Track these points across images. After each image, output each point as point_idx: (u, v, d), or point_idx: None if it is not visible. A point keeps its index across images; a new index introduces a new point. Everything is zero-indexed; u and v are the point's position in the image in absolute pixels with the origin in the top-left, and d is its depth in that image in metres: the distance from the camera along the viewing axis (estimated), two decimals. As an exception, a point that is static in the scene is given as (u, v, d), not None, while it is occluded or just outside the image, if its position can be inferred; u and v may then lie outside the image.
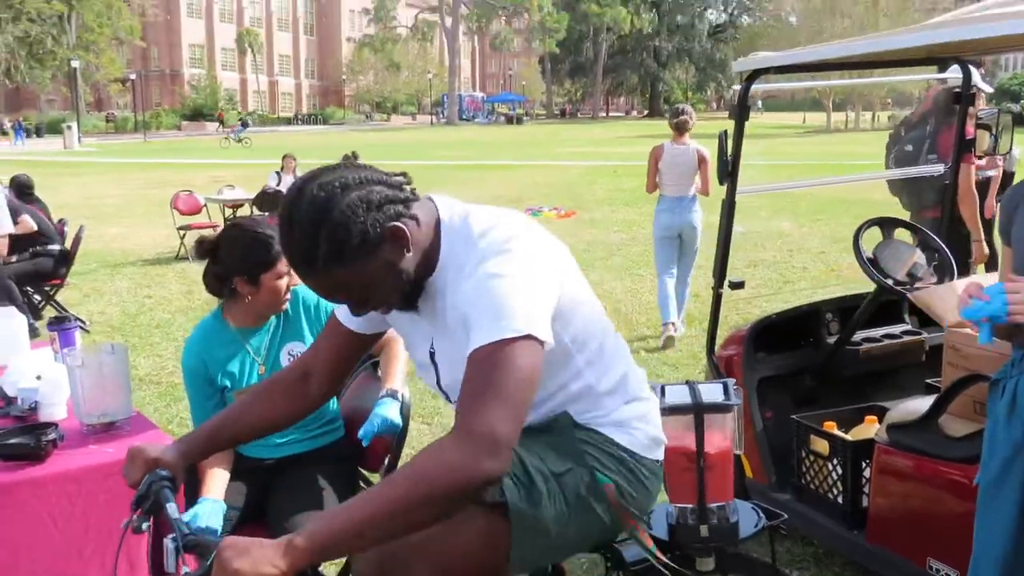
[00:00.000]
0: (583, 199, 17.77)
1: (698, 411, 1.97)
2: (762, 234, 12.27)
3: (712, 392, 2.02)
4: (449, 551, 1.75)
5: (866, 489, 3.11)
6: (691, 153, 6.96)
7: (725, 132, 3.43)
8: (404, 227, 1.67)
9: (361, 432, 2.60)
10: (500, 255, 1.66)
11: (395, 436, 2.72)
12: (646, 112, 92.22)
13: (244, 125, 49.49)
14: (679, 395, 2.03)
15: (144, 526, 1.75)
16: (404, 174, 1.77)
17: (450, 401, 1.96)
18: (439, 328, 1.82)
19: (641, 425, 1.92)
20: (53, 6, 60.38)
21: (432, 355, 1.89)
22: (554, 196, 18.23)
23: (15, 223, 6.95)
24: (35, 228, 7.65)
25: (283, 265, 2.74)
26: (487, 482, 1.52)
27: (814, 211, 14.84)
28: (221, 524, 2.58)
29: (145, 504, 1.78)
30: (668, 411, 1.99)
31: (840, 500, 3.17)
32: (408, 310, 1.82)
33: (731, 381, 2.08)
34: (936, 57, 3.86)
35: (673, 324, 6.99)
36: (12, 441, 2.43)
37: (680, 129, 6.97)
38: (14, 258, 7.27)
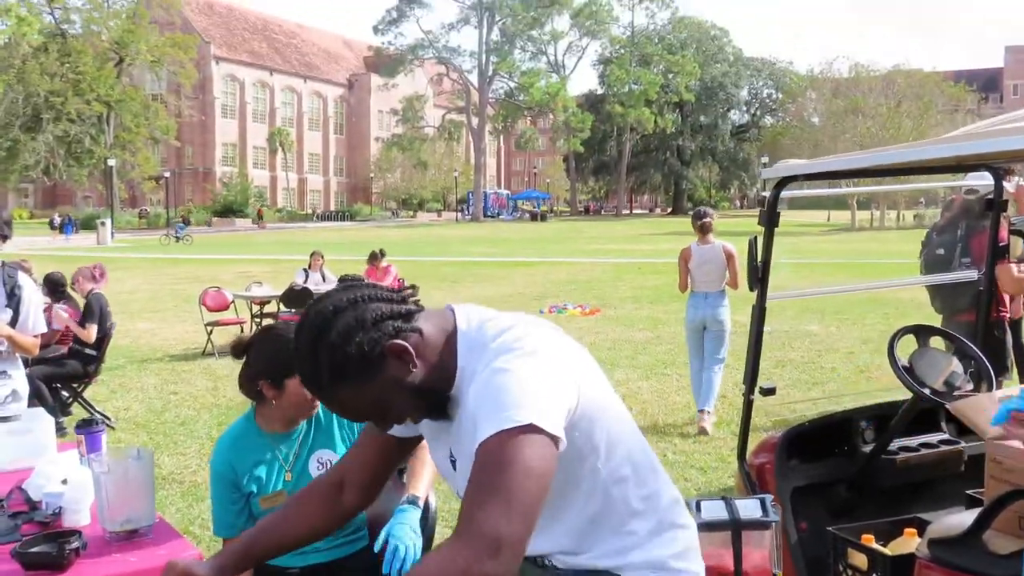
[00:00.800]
0: (607, 296, 17.80)
1: (736, 528, 1.91)
2: (789, 334, 12.19)
3: (749, 508, 1.97)
4: None
5: (908, 607, 3.00)
6: (718, 251, 7.44)
7: (755, 237, 3.43)
8: (404, 343, 1.66)
9: (384, 568, 2.51)
10: (509, 352, 1.64)
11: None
12: (670, 209, 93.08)
13: (186, 223, 50.25)
14: (715, 511, 1.97)
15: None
16: (413, 287, 1.78)
17: None
18: (456, 435, 1.78)
19: (680, 565, 1.81)
20: (93, 107, 62.39)
21: (453, 463, 1.85)
22: (578, 293, 18.28)
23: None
24: (92, 339, 7.83)
25: None
26: None
27: (841, 310, 14.76)
28: None
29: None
30: (704, 527, 1.93)
31: (881, 617, 3.05)
32: (441, 419, 1.79)
33: (768, 497, 2.02)
34: (966, 165, 3.87)
35: (706, 412, 7.34)
36: (35, 550, 2.39)
37: (704, 231, 7.49)
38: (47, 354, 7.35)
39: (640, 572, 1.78)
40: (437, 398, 1.73)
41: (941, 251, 5.69)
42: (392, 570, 2.52)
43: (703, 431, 7.20)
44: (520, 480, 1.49)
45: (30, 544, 2.42)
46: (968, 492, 3.47)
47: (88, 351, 7.92)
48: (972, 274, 4.41)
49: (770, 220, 3.50)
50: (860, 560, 3.13)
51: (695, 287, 7.53)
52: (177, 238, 44.30)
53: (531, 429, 1.52)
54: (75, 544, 2.40)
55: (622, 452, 1.80)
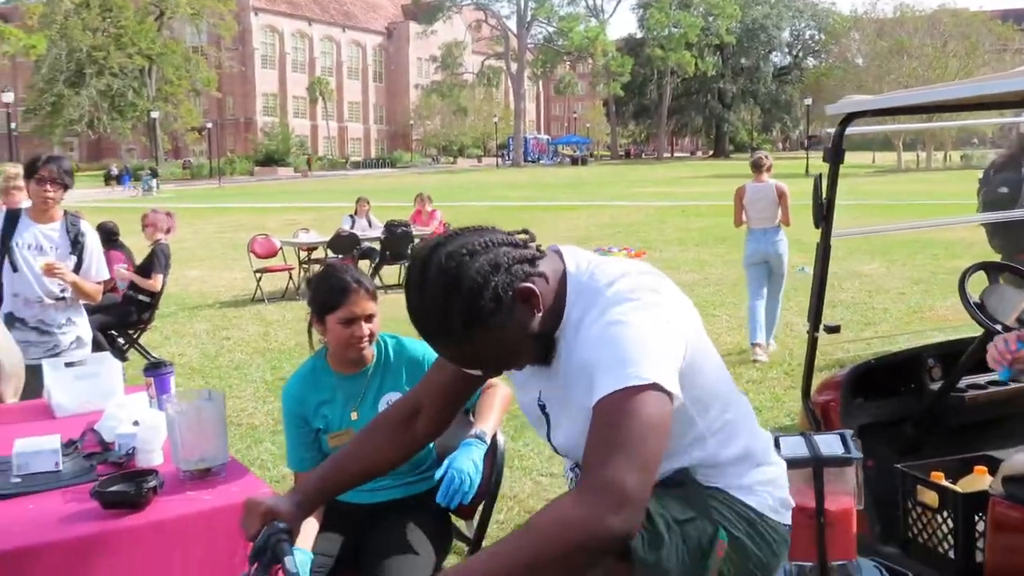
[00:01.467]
0: (652, 239, 17.68)
1: (817, 465, 1.88)
2: (839, 275, 12.03)
3: (830, 444, 1.94)
4: None
5: (980, 544, 2.97)
6: (771, 189, 7.92)
7: (820, 175, 3.36)
8: (535, 287, 1.63)
9: (438, 496, 2.57)
10: (626, 303, 1.61)
11: (480, 484, 2.67)
12: (711, 152, 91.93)
13: (153, 175, 49.83)
14: (795, 447, 1.94)
15: (263, 579, 1.72)
16: (526, 231, 1.73)
17: (559, 454, 1.90)
18: (553, 379, 1.76)
19: (768, 489, 1.83)
20: (135, 61, 62.79)
21: (543, 407, 1.84)
22: (622, 236, 18.17)
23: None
24: (159, 288, 7.97)
25: (350, 310, 2.73)
26: (614, 539, 1.44)
27: (889, 251, 14.55)
28: (309, 574, 2.56)
29: (264, 557, 1.75)
30: (785, 464, 1.90)
31: (952, 555, 3.02)
32: (542, 364, 1.76)
33: (848, 432, 1.99)
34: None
35: (760, 345, 7.78)
36: (113, 489, 2.42)
37: (758, 168, 8.04)
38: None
39: (731, 491, 1.80)
40: (548, 343, 1.71)
41: (1004, 189, 5.55)
42: (447, 500, 2.54)
43: (756, 362, 7.61)
44: (644, 436, 1.48)
45: (108, 483, 2.45)
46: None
47: (142, 298, 8.03)
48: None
49: (835, 157, 3.42)
50: (930, 497, 3.09)
51: (751, 223, 7.99)
52: (147, 188, 43.93)
53: (653, 387, 1.51)
54: (152, 483, 2.43)
55: (719, 403, 1.79)
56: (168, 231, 8.30)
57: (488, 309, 1.57)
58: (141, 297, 8.02)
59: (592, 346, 1.60)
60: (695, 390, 1.70)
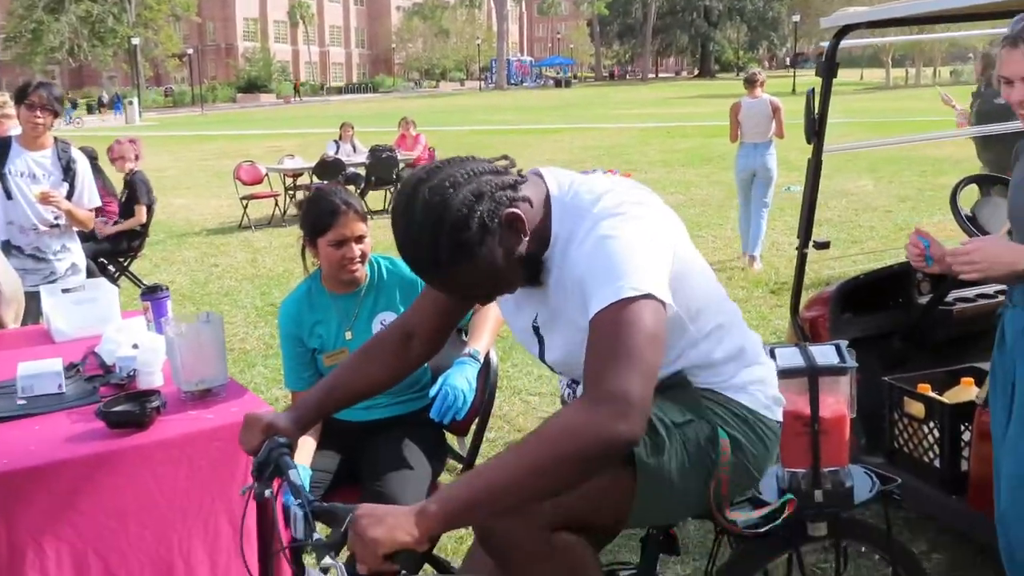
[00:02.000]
0: (637, 161, 17.62)
1: (812, 374, 1.93)
2: (825, 193, 11.98)
3: (825, 354, 1.98)
4: (573, 501, 1.71)
5: (965, 453, 3.04)
6: (764, 104, 8.24)
7: (812, 90, 3.35)
8: (519, 212, 1.65)
9: (431, 412, 2.62)
10: (613, 218, 1.63)
11: (473, 404, 2.72)
12: (696, 72, 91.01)
13: (74, 106, 48.78)
14: (791, 358, 1.98)
15: (267, 493, 1.76)
16: (506, 157, 1.74)
17: (556, 372, 1.94)
18: (546, 300, 1.79)
19: (760, 387, 1.88)
20: (114, -16, 61.28)
21: (536, 329, 1.87)
22: (607, 159, 18.09)
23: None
24: (144, 219, 7.94)
25: (341, 232, 2.75)
26: (621, 446, 1.49)
27: (875, 169, 14.56)
28: (309, 490, 2.61)
29: (266, 471, 1.78)
30: (781, 374, 1.94)
31: (938, 464, 3.10)
32: (533, 286, 1.79)
33: (844, 343, 2.03)
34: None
35: (753, 257, 8.18)
36: (118, 409, 2.46)
37: (752, 84, 8.35)
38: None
39: (724, 391, 1.85)
40: (536, 265, 1.73)
41: (1001, 100, 5.52)
42: (441, 416, 2.60)
43: (751, 267, 8.10)
44: (643, 346, 1.52)
45: (112, 404, 2.49)
46: (1023, 342, 3.48)
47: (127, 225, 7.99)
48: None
49: (829, 71, 3.40)
50: (917, 408, 3.16)
51: (744, 138, 8.34)
52: (68, 120, 42.29)
53: (647, 297, 1.55)
54: (156, 403, 2.47)
55: (710, 310, 1.83)
56: (137, 158, 8.25)
57: (475, 239, 1.60)
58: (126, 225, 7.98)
59: (584, 262, 1.63)
60: (685, 297, 1.74)
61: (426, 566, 2.78)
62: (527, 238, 1.67)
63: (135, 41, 56.79)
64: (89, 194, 4.39)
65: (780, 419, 1.91)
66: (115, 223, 7.91)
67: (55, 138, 4.35)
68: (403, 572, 1.51)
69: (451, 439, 3.15)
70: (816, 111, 3.37)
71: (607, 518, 1.85)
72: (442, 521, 1.48)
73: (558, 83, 76.74)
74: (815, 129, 3.39)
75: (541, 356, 1.91)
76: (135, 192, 7.94)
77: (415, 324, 2.04)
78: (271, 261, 9.48)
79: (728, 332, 1.86)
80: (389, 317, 2.86)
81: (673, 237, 1.73)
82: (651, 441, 1.75)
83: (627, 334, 1.52)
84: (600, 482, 1.65)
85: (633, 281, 1.55)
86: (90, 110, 53.18)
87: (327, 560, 1.51)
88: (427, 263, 1.62)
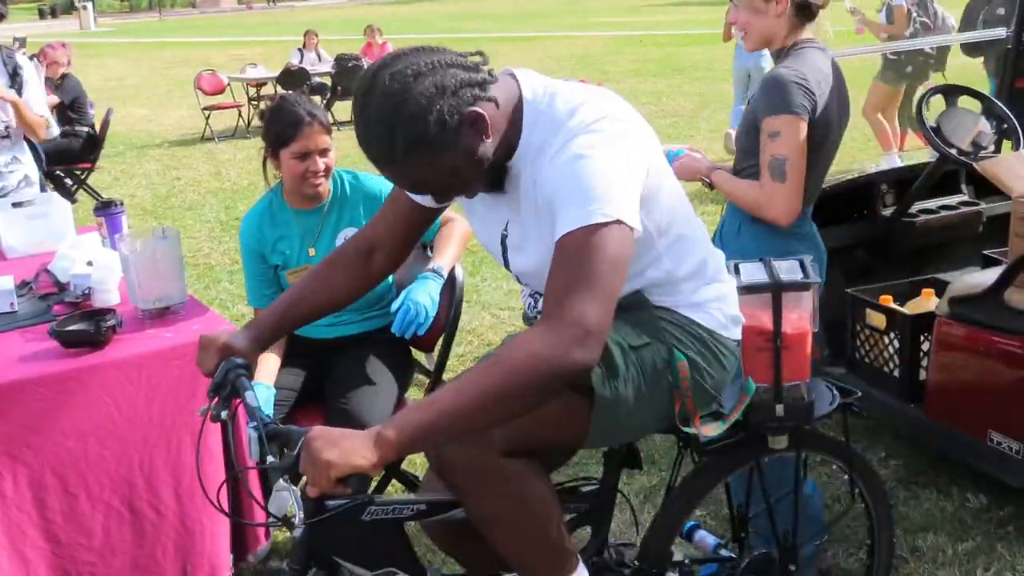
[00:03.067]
0: (609, 71, 17.37)
1: (776, 289, 1.91)
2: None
3: (789, 269, 1.96)
4: (527, 426, 1.70)
5: (924, 363, 3.08)
6: None
7: None
8: (483, 112, 1.58)
9: (393, 327, 2.60)
10: (588, 135, 1.58)
11: (438, 319, 2.71)
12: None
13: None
14: (755, 273, 1.96)
15: (223, 414, 1.73)
16: (480, 53, 1.67)
17: (520, 283, 1.92)
18: (515, 211, 1.75)
19: (718, 305, 1.86)
20: None
21: (504, 238, 1.83)
22: (580, 68, 17.82)
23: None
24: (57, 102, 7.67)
25: (304, 145, 2.68)
26: (577, 371, 1.48)
27: (849, 79, 14.42)
28: (272, 409, 2.60)
29: (223, 392, 1.75)
30: (744, 290, 1.92)
31: (897, 374, 3.14)
32: (495, 192, 1.75)
33: (808, 257, 2.01)
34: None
35: None
36: (73, 328, 2.41)
37: None
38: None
39: (682, 309, 1.84)
40: (499, 170, 1.68)
41: (1001, 11, 5.42)
42: (403, 330, 2.58)
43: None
44: (606, 272, 1.50)
45: (66, 323, 2.44)
46: (985, 252, 3.50)
47: (79, 129, 7.81)
48: (1000, 32, 4.24)
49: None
50: (878, 320, 3.19)
51: (738, 39, 8.47)
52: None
53: (616, 223, 1.52)
54: (111, 321, 2.43)
55: (676, 226, 1.79)
56: (69, 63, 8.07)
57: (432, 133, 1.53)
58: (78, 129, 7.78)
59: (555, 179, 1.58)
60: (654, 214, 1.71)
61: (393, 481, 2.80)
62: (489, 140, 1.61)
63: (87, -60, 54.80)
64: (37, 101, 4.25)
65: (738, 337, 1.90)
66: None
67: None
68: (351, 493, 1.49)
69: (419, 355, 3.14)
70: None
71: (563, 442, 1.86)
72: (398, 446, 1.47)
73: (528, -11, 75.14)
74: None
75: (506, 264, 1.88)
76: (72, 96, 7.74)
77: (376, 237, 1.99)
78: (235, 174, 9.33)
79: (691, 248, 1.84)
80: (353, 233, 2.81)
81: (648, 155, 1.68)
82: (606, 367, 1.74)
83: (591, 259, 1.50)
84: (555, 407, 1.65)
85: (604, 205, 1.52)
86: (41, 15, 51.52)
87: (280, 483, 1.50)
88: (381, 154, 1.56)
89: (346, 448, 1.44)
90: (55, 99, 7.56)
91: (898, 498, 3.10)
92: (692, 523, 2.19)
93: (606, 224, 1.51)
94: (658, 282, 1.82)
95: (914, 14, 7.42)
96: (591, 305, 1.48)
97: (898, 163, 7.97)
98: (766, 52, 8.60)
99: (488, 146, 1.62)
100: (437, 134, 1.53)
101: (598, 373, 1.73)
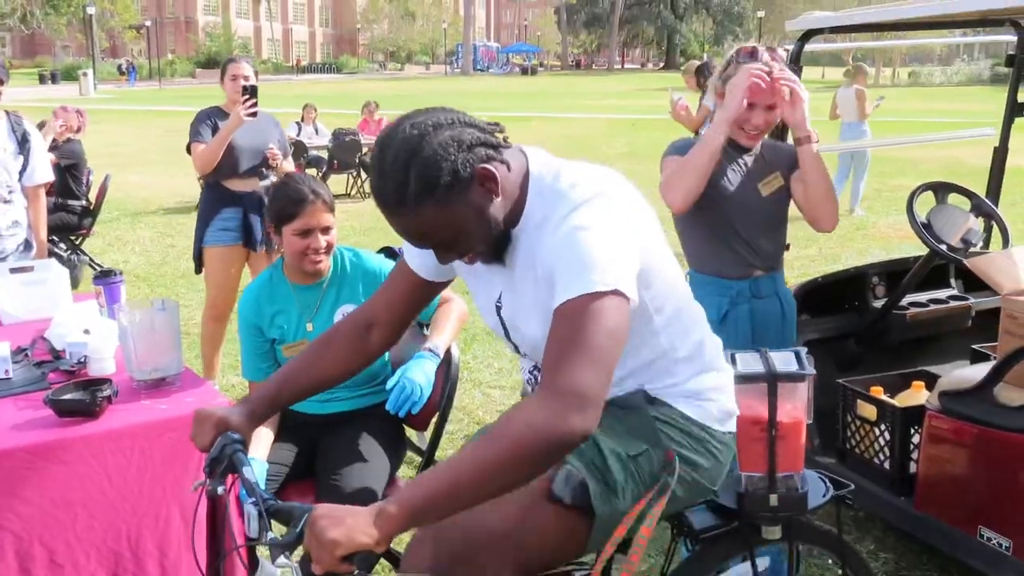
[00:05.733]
0: (603, 153, 17.64)
1: (772, 380, 1.93)
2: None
3: (785, 360, 1.98)
4: (530, 553, 1.74)
5: (915, 456, 3.09)
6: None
7: None
8: (495, 170, 1.63)
9: (388, 404, 2.61)
10: (588, 208, 1.63)
11: (432, 398, 2.71)
12: (662, 64, 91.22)
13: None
14: (751, 363, 1.98)
15: (220, 490, 1.73)
16: (497, 124, 1.73)
17: (518, 353, 1.94)
18: (509, 281, 1.79)
19: (715, 396, 1.89)
20: (68, -51, 59.85)
21: (499, 309, 1.86)
22: (573, 149, 18.07)
23: None
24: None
25: (307, 221, 2.73)
26: (576, 440, 1.49)
27: (834, 168, 14.65)
28: (264, 484, 2.59)
29: (219, 467, 1.75)
30: (740, 379, 1.95)
31: (887, 466, 3.15)
32: (495, 263, 1.78)
33: (803, 350, 2.04)
34: (990, 20, 3.77)
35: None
36: (68, 397, 2.41)
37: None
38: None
39: (676, 399, 1.86)
40: (504, 237, 1.72)
41: None
42: (397, 408, 2.58)
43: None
44: (604, 341, 1.52)
45: (62, 392, 2.44)
46: (974, 347, 3.54)
47: (71, 203, 7.84)
48: (989, 131, 4.35)
49: (794, 73, 3.41)
50: (869, 411, 3.20)
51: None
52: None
53: (614, 293, 1.55)
54: (107, 392, 2.42)
55: (672, 304, 1.83)
56: (79, 130, 8.09)
57: (444, 183, 1.58)
58: (71, 202, 7.82)
59: (555, 250, 1.62)
60: (651, 290, 1.75)
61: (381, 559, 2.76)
62: (498, 199, 1.66)
63: (90, 10, 55.68)
64: (42, 168, 4.30)
65: (732, 430, 1.92)
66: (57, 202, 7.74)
67: (6, 111, 4.25)
68: (357, 573, 1.49)
69: (411, 433, 3.14)
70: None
71: (564, 558, 1.86)
72: (402, 521, 1.47)
73: (524, 71, 76.55)
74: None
75: (506, 336, 1.90)
76: (70, 161, 7.74)
77: (375, 313, 2.01)
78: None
79: (689, 328, 1.87)
80: (351, 310, 2.83)
81: (645, 230, 1.73)
82: (605, 484, 1.76)
83: (590, 328, 1.52)
84: (556, 530, 1.70)
85: (602, 276, 1.55)
86: (41, 80, 52.10)
87: (281, 559, 1.49)
88: (393, 198, 1.60)
89: (350, 526, 1.44)
90: (53, 158, 7.62)
91: (888, 592, 3.08)
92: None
93: (604, 294, 1.54)
94: (655, 362, 1.84)
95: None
96: (589, 373, 1.49)
97: None
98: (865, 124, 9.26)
99: (497, 207, 1.67)
100: (449, 183, 1.58)
101: (598, 492, 1.75)
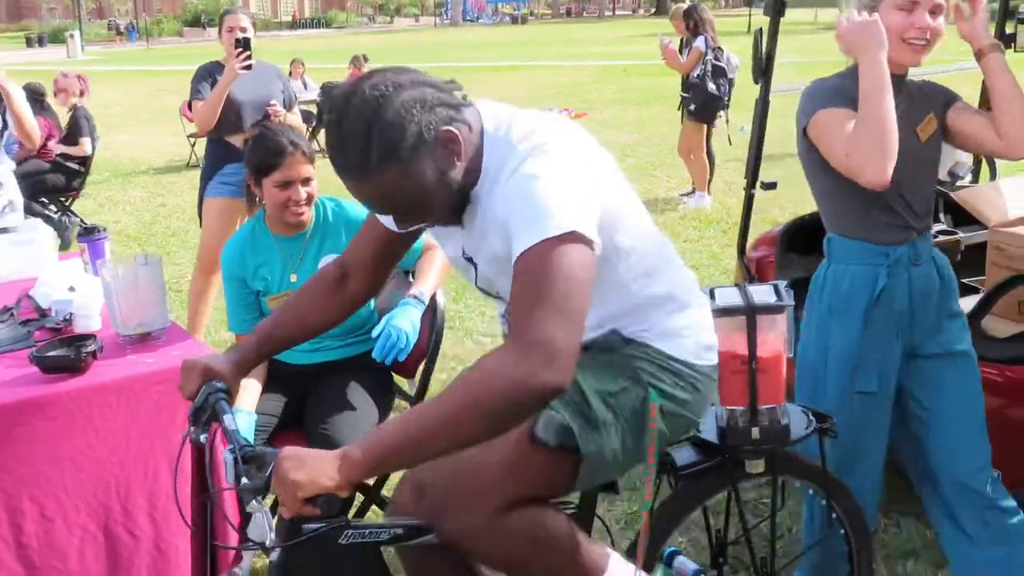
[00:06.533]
0: (593, 100, 17.51)
1: (750, 313, 1.93)
2: (783, 131, 11.98)
3: (763, 293, 1.98)
4: (515, 486, 1.74)
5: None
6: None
7: (760, 30, 3.32)
8: (457, 132, 1.59)
9: (374, 352, 2.61)
10: (538, 155, 1.59)
11: (419, 345, 2.72)
12: (653, 10, 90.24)
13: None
14: (730, 297, 1.98)
15: (202, 438, 1.74)
16: (453, 81, 1.69)
17: (490, 296, 1.92)
18: (472, 237, 1.76)
19: (691, 333, 1.86)
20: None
21: (469, 259, 1.84)
22: (564, 97, 17.95)
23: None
24: (88, 151, 7.83)
25: (287, 173, 2.71)
26: (549, 394, 1.46)
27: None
28: (252, 435, 2.60)
29: (203, 416, 1.76)
30: (719, 313, 1.95)
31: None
32: (454, 224, 1.76)
33: (783, 282, 2.03)
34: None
35: None
36: (52, 353, 2.40)
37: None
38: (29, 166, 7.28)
39: (652, 339, 1.83)
40: (462, 198, 1.69)
41: None
42: (383, 356, 2.59)
43: None
44: (568, 288, 1.48)
45: (47, 348, 2.44)
46: (963, 280, 3.53)
47: (71, 164, 7.82)
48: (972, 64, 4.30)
49: (776, 9, 3.37)
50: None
51: None
52: None
53: (572, 237, 1.51)
54: (92, 347, 2.42)
55: (640, 250, 1.79)
56: (82, 94, 8.06)
57: (408, 146, 1.54)
58: (70, 164, 7.81)
59: (508, 201, 1.59)
60: (616, 236, 1.71)
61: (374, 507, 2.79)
62: (460, 164, 1.62)
63: (76, -29, 55.08)
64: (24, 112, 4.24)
65: (714, 362, 1.90)
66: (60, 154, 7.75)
67: None
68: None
69: (401, 381, 3.15)
70: (764, 50, 3.34)
71: (552, 494, 1.86)
72: (365, 467, 1.47)
73: (514, 20, 75.72)
74: (763, 69, 3.37)
75: (475, 281, 1.89)
76: (79, 125, 7.78)
77: (351, 262, 2.00)
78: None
79: (660, 274, 1.84)
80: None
81: (602, 176, 1.70)
82: (588, 422, 1.75)
83: (551, 276, 1.48)
84: (541, 468, 1.70)
85: (557, 221, 1.51)
86: (28, 43, 51.54)
87: (253, 504, 1.50)
88: (354, 163, 1.55)
89: (313, 468, 1.44)
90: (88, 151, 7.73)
91: (879, 525, 3.10)
92: (672, 549, 2.19)
93: (561, 237, 1.50)
94: (627, 309, 1.82)
95: (709, 56, 7.84)
96: (556, 324, 1.45)
97: (709, 203, 8.18)
98: None
99: (459, 170, 1.63)
100: (412, 147, 1.54)
101: (582, 431, 1.74)
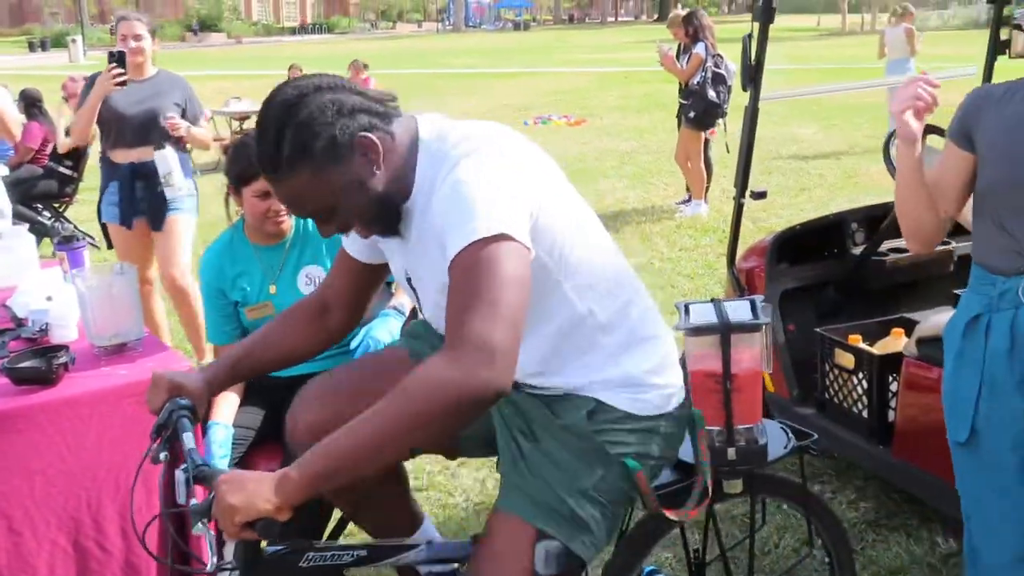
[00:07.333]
0: (593, 106, 17.48)
1: (725, 331, 1.89)
2: (776, 139, 12.06)
3: (739, 310, 1.94)
4: None
5: (892, 404, 3.06)
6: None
7: (749, 36, 3.29)
8: (375, 140, 1.58)
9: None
10: (467, 161, 1.56)
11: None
12: (656, 17, 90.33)
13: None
14: (704, 314, 1.94)
15: (162, 456, 1.70)
16: (390, 93, 1.68)
17: (435, 327, 1.87)
18: (413, 252, 1.72)
19: (654, 380, 1.77)
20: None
21: (409, 281, 1.80)
22: (563, 104, 17.95)
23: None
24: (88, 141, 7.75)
25: (266, 184, 2.66)
26: (488, 394, 1.42)
27: (827, 116, 14.56)
28: (229, 449, 2.57)
29: (164, 433, 1.73)
30: (693, 331, 1.90)
31: (865, 415, 3.12)
32: (390, 235, 1.72)
33: (759, 298, 1.99)
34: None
35: None
36: (24, 365, 2.37)
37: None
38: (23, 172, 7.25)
39: (613, 390, 1.76)
40: (391, 210, 1.66)
41: None
42: None
43: None
44: (501, 287, 1.45)
45: (18, 360, 2.40)
46: (956, 291, 3.48)
47: (63, 170, 7.79)
48: (971, 70, 4.27)
49: (765, 15, 3.34)
50: (847, 360, 3.17)
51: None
52: None
53: (502, 238, 1.48)
54: (63, 359, 2.38)
55: (587, 265, 1.72)
56: None
57: (319, 147, 1.54)
58: (62, 169, 7.78)
59: (440, 210, 1.56)
60: (555, 251, 1.65)
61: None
62: (380, 172, 1.60)
63: (78, -25, 55.14)
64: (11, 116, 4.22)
65: (682, 399, 1.84)
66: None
67: None
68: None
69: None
70: (752, 57, 3.31)
71: None
72: (303, 487, 1.43)
73: (516, 26, 75.83)
74: (751, 76, 3.34)
75: (420, 309, 1.86)
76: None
77: (330, 296, 1.98)
78: (216, 208, 9.23)
79: (613, 298, 1.75)
80: (314, 271, 2.80)
81: (542, 183, 1.65)
82: (578, 527, 1.72)
83: (485, 277, 1.45)
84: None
85: (486, 221, 1.48)
86: (31, 48, 51.61)
87: (199, 526, 1.46)
88: (268, 158, 1.57)
89: (251, 492, 1.42)
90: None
91: (867, 541, 3.07)
92: (651, 568, 2.16)
93: (491, 239, 1.47)
94: (574, 329, 1.73)
95: (709, 63, 7.80)
96: (491, 324, 1.43)
97: (705, 211, 8.09)
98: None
99: (379, 179, 1.61)
100: (325, 147, 1.54)
101: (578, 542, 1.71)
